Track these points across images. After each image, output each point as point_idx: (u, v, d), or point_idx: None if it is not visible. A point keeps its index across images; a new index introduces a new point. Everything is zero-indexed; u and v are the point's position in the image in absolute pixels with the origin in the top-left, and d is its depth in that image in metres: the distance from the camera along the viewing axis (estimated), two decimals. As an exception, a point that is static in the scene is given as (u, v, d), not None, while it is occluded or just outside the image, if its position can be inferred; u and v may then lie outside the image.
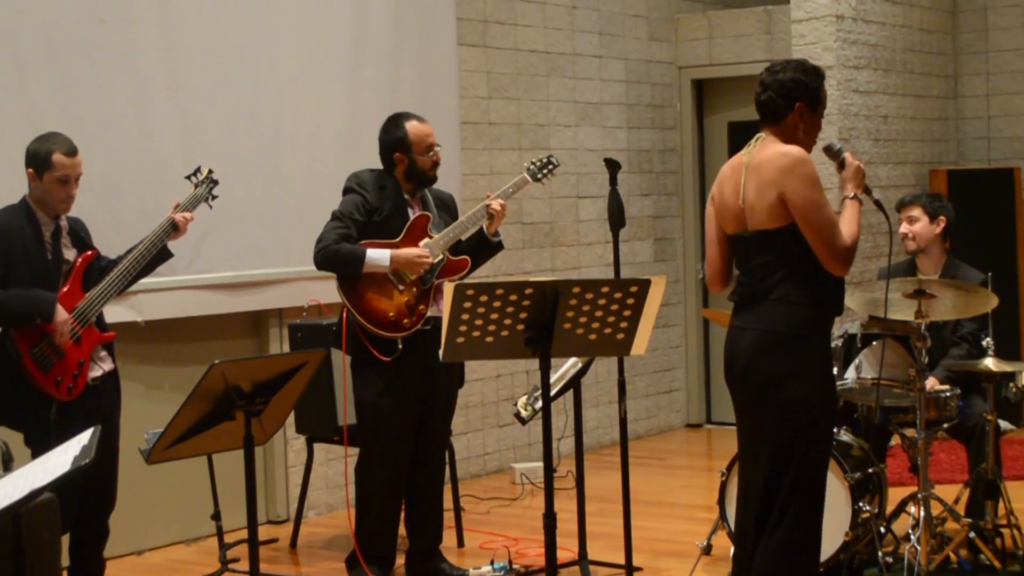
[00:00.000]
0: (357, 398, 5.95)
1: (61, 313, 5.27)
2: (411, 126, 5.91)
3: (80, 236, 5.53)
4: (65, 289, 5.36)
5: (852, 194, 4.64)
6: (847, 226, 4.54)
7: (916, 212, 6.25)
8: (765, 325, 4.56)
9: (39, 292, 5.28)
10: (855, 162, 4.71)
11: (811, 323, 4.56)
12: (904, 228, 6.28)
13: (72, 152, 5.34)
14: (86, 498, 5.42)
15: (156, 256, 5.57)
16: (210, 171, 5.77)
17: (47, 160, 5.29)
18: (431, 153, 5.91)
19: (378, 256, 5.76)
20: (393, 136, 5.92)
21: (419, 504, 6.08)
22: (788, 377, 4.52)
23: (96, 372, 5.45)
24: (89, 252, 5.49)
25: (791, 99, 4.59)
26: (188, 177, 5.76)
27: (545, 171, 6.15)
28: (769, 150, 4.57)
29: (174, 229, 5.56)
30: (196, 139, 6.68)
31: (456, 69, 8.09)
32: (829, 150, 4.75)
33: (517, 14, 8.56)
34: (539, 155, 6.33)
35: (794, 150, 4.53)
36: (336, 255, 5.76)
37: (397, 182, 5.93)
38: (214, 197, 5.77)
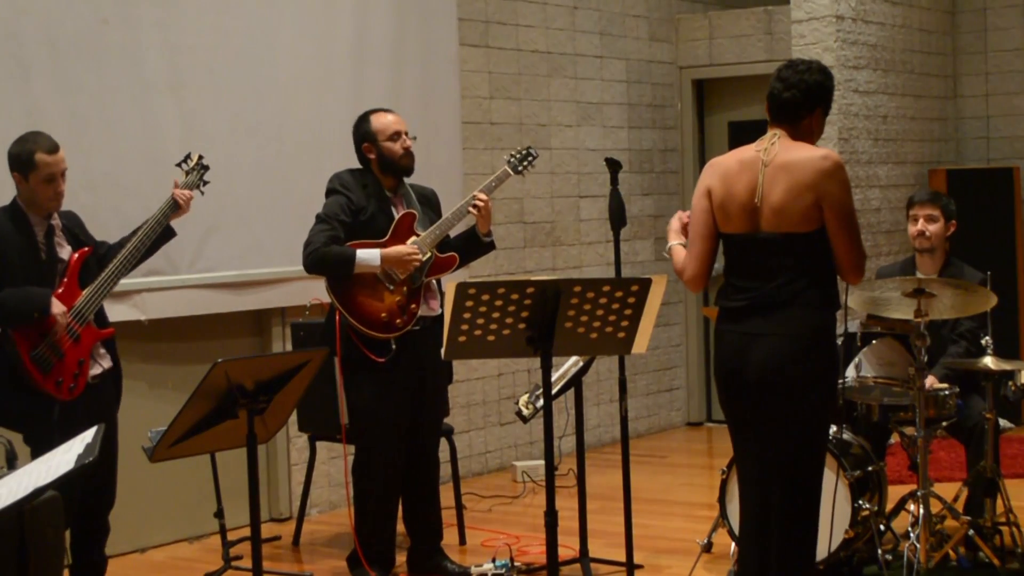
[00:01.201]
0: (351, 400, 5.95)
1: (57, 305, 5.27)
2: (375, 117, 5.96)
3: (74, 232, 5.51)
4: (61, 290, 5.36)
5: None
6: None
7: (936, 212, 6.26)
8: (790, 330, 4.46)
9: (32, 288, 5.29)
10: None
11: (832, 327, 4.55)
12: (921, 226, 6.26)
13: (54, 149, 5.33)
14: (87, 495, 5.43)
15: (159, 237, 5.58)
16: (200, 157, 5.76)
17: (30, 161, 5.29)
18: (398, 140, 5.91)
19: (368, 256, 5.76)
20: (360, 130, 5.97)
21: (417, 502, 6.10)
22: (818, 381, 4.48)
23: (96, 370, 5.46)
24: (84, 249, 5.50)
25: (814, 102, 4.55)
26: (178, 164, 5.77)
27: (525, 162, 6.13)
28: (802, 151, 4.49)
29: (174, 209, 5.56)
30: (199, 139, 6.68)
31: (458, 69, 8.11)
32: None
33: (518, 14, 8.58)
34: (518, 147, 6.31)
35: (834, 154, 4.48)
36: (326, 257, 5.75)
37: (378, 180, 5.94)
38: (205, 183, 5.76)
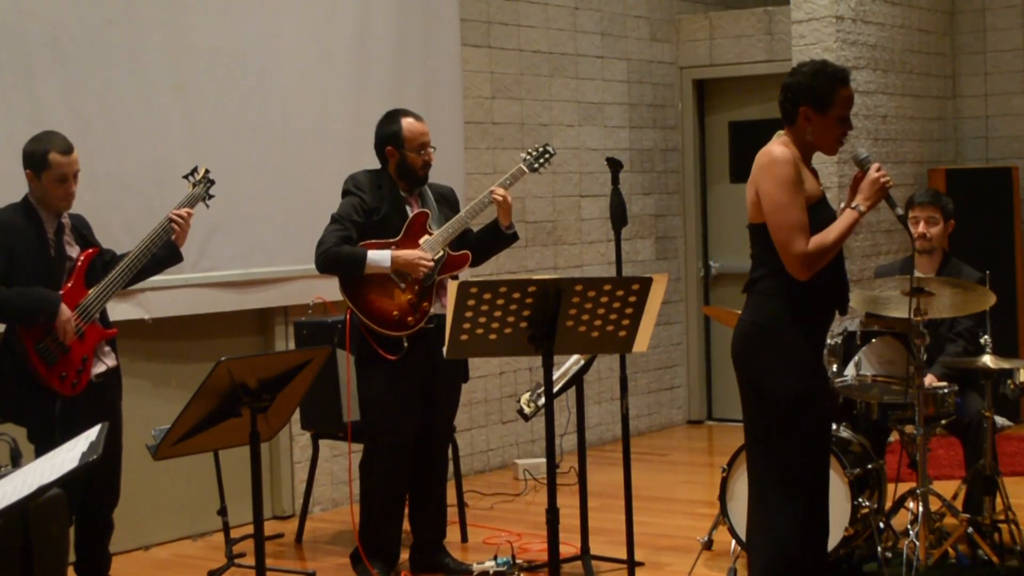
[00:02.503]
0: (362, 396, 6.00)
1: (65, 311, 5.33)
2: (407, 123, 5.96)
3: (82, 233, 5.58)
4: (69, 286, 5.42)
5: (854, 204, 4.57)
6: (825, 232, 4.49)
7: (936, 214, 6.29)
8: (749, 316, 4.63)
9: (43, 290, 5.33)
10: (875, 175, 4.59)
11: (789, 318, 4.55)
12: (922, 228, 6.28)
13: (68, 150, 5.39)
14: (90, 493, 5.47)
15: (165, 257, 5.62)
16: (207, 171, 5.81)
17: (44, 160, 5.35)
18: (423, 152, 5.94)
19: (379, 257, 5.80)
20: (388, 130, 5.98)
21: (423, 500, 6.12)
22: (766, 370, 4.56)
23: (99, 368, 5.50)
24: (91, 249, 5.55)
25: (795, 103, 4.60)
26: (186, 177, 5.81)
27: (542, 160, 6.14)
28: (764, 148, 4.62)
29: (169, 232, 5.58)
30: (202, 139, 6.72)
31: (460, 69, 8.13)
32: (856, 159, 4.71)
33: (520, 15, 8.61)
34: (535, 145, 6.33)
35: (776, 150, 4.55)
36: (337, 258, 5.80)
37: (393, 180, 5.97)
38: (211, 196, 5.81)
